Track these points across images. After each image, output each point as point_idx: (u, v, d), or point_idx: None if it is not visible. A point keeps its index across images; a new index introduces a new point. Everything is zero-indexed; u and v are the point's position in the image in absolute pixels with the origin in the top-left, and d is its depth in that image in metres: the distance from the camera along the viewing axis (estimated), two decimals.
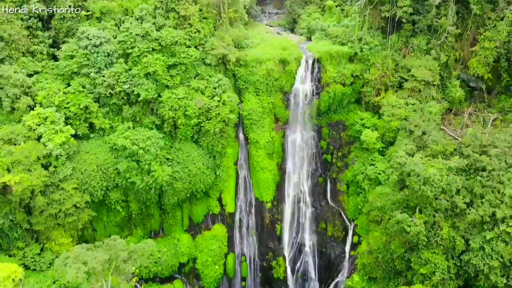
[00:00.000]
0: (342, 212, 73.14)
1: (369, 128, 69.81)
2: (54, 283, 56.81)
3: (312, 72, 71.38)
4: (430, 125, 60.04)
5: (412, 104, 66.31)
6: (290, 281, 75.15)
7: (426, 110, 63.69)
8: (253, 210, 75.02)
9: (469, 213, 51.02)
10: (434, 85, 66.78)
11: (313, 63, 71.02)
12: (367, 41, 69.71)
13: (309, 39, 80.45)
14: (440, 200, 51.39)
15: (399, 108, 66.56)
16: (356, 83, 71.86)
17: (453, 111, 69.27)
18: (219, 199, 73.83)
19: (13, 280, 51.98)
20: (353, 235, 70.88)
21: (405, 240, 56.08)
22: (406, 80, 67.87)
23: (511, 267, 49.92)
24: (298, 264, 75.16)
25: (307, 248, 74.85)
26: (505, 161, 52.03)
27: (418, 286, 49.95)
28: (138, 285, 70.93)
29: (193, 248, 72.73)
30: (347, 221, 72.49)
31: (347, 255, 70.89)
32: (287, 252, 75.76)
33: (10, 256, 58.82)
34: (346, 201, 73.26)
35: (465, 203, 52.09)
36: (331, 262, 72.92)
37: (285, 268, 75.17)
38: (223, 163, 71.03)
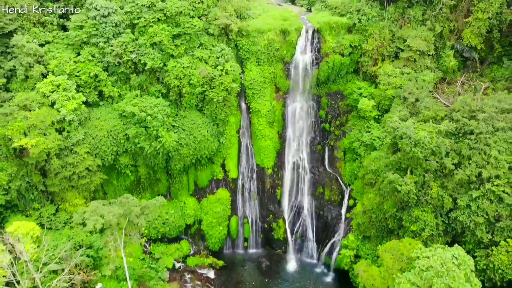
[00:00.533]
0: (339, 178, 76.93)
1: (366, 97, 72.82)
2: (69, 240, 60.87)
3: (312, 42, 73.81)
4: (423, 93, 63.06)
5: (407, 73, 69.12)
6: (290, 241, 79.67)
7: (420, 79, 66.57)
8: (254, 176, 78.85)
9: (457, 174, 54.67)
10: (428, 55, 69.42)
11: (313, 34, 73.37)
12: (365, 12, 71.94)
13: (309, 10, 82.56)
14: (430, 161, 54.98)
15: (395, 77, 69.41)
16: (354, 53, 74.46)
17: (446, 80, 72.08)
18: (223, 165, 77.61)
19: (31, 237, 56.08)
20: (349, 198, 74.85)
21: (397, 200, 60.05)
22: (402, 50, 70.44)
23: (495, 223, 53.84)
24: (297, 226, 79.46)
25: (305, 211, 79.00)
26: (492, 125, 55.32)
27: (408, 239, 53.91)
28: (147, 245, 75.78)
29: (199, 211, 76.95)
30: (343, 186, 76.37)
31: (343, 217, 75.04)
32: (286, 214, 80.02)
33: (26, 216, 62.94)
34: (343, 167, 76.98)
35: (453, 164, 55.70)
36: (328, 224, 77.15)
37: (285, 229, 79.61)
38: (226, 131, 74.41)
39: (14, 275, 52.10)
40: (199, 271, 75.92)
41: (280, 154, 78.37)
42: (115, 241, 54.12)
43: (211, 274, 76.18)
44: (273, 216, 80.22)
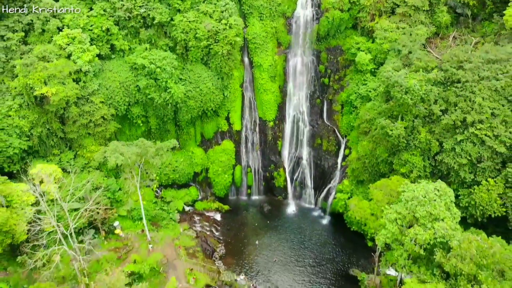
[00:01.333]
0: (336, 129, 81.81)
1: (363, 51, 76.41)
2: (88, 182, 66.58)
3: None
4: (415, 45, 66.78)
5: (403, 28, 72.41)
6: (289, 188, 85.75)
7: (414, 33, 70.01)
8: (257, 128, 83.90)
9: (443, 119, 59.46)
10: (423, 10, 72.44)
11: None
12: None
13: None
14: (419, 107, 59.67)
15: (391, 31, 72.71)
16: (353, 9, 77.30)
17: (440, 35, 75.36)
18: (227, 118, 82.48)
19: (54, 177, 61.69)
20: (345, 148, 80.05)
21: (388, 145, 65.24)
22: (398, 6, 73.40)
23: (477, 164, 59.11)
24: (296, 175, 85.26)
25: (304, 161, 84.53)
26: (478, 74, 59.52)
27: (396, 177, 59.28)
28: (159, 190, 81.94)
29: (206, 160, 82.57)
30: (340, 137, 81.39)
31: (339, 165, 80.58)
32: (287, 164, 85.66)
33: (47, 161, 68.41)
34: (340, 120, 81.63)
35: (441, 110, 60.42)
36: (325, 172, 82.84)
37: (285, 178, 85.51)
38: (230, 84, 78.71)
39: (39, 212, 58.26)
40: (207, 214, 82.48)
41: (281, 108, 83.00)
42: (132, 179, 59.82)
43: (218, 216, 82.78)
44: (274, 166, 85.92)
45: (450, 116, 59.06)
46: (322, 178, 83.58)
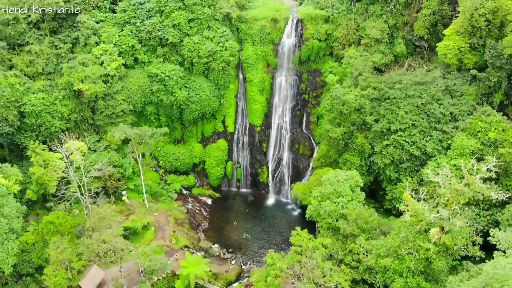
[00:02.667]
0: (311, 137, 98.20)
1: (334, 74, 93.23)
2: (107, 158, 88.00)
3: (296, 29, 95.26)
4: (365, 69, 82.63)
5: (365, 55, 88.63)
6: (271, 183, 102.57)
7: (369, 60, 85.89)
8: (247, 132, 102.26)
9: (374, 127, 74.71)
10: (382, 42, 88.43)
11: (297, 22, 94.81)
12: (337, 7, 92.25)
13: (301, 4, 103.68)
14: (353, 117, 75.45)
15: (355, 58, 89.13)
16: (329, 39, 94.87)
17: (399, 63, 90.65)
18: (223, 122, 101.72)
19: (81, 151, 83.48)
20: (317, 153, 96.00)
21: (338, 148, 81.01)
22: (363, 38, 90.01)
23: (399, 165, 73.39)
24: (277, 173, 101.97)
25: (284, 162, 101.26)
26: (406, 93, 74.44)
27: (327, 168, 74.56)
28: (163, 175, 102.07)
29: (203, 154, 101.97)
30: (314, 143, 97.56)
31: (310, 167, 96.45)
32: (270, 164, 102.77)
33: (79, 140, 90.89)
34: (316, 129, 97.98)
35: (374, 120, 75.69)
36: (300, 171, 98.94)
37: (268, 174, 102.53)
38: (226, 94, 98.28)
39: (68, 175, 79.95)
40: (200, 198, 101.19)
41: (267, 116, 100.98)
42: (134, 155, 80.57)
43: (209, 201, 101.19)
44: (259, 164, 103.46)
45: (378, 125, 74.21)
46: (297, 177, 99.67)
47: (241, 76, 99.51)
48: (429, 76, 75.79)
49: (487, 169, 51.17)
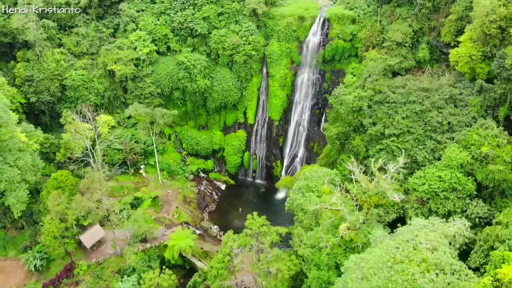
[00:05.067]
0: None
1: (355, 75, 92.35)
2: (132, 135, 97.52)
3: (322, 28, 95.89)
4: (376, 71, 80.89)
5: (385, 59, 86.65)
6: (283, 178, 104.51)
7: (386, 63, 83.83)
8: (266, 125, 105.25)
9: (369, 130, 73.55)
10: (405, 45, 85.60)
11: (323, 22, 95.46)
12: (363, 8, 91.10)
13: (335, 3, 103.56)
14: (349, 117, 74.89)
15: (374, 61, 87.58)
16: (354, 40, 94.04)
17: (422, 69, 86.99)
18: (244, 113, 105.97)
19: (108, 124, 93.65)
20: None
21: (336, 148, 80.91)
22: (386, 40, 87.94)
23: (386, 169, 71.44)
24: (290, 168, 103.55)
25: (298, 158, 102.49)
26: (407, 98, 72.05)
27: (314, 165, 74.89)
28: (185, 157, 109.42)
29: (223, 141, 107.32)
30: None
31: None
32: (286, 159, 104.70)
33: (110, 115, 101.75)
34: None
35: (372, 123, 74.40)
36: None
37: (282, 168, 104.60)
38: (248, 87, 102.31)
39: (93, 147, 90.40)
40: (215, 182, 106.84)
41: (286, 112, 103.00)
42: (148, 132, 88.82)
43: (223, 187, 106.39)
44: (275, 157, 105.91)
45: (374, 128, 72.86)
46: None
47: (264, 70, 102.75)
48: (435, 83, 72.37)
49: (396, 170, 50.05)
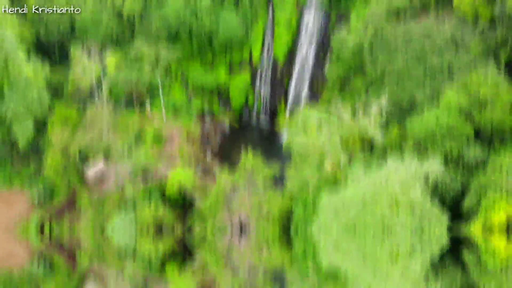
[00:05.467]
0: None
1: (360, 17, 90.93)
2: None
3: None
4: (377, 13, 79.55)
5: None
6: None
7: (392, 5, 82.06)
8: (270, 66, 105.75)
9: (369, 70, 74.03)
10: None
11: None
12: None
13: None
14: (351, 60, 75.35)
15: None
16: None
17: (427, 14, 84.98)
18: (250, 54, 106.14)
19: (115, 63, 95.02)
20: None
21: (337, 89, 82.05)
22: None
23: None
24: (295, 110, 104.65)
25: (302, 100, 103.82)
26: (409, 45, 71.60)
27: None
28: (191, 97, 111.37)
29: (227, 80, 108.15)
30: None
31: None
32: (289, 100, 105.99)
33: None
34: None
35: (372, 67, 74.70)
36: None
37: (286, 110, 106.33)
38: (254, 28, 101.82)
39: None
40: (219, 123, 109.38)
41: (291, 53, 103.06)
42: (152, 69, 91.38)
43: (227, 127, 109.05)
44: (279, 99, 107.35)
45: (372, 72, 73.40)
46: None
47: (270, 13, 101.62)
48: (438, 28, 71.50)
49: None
